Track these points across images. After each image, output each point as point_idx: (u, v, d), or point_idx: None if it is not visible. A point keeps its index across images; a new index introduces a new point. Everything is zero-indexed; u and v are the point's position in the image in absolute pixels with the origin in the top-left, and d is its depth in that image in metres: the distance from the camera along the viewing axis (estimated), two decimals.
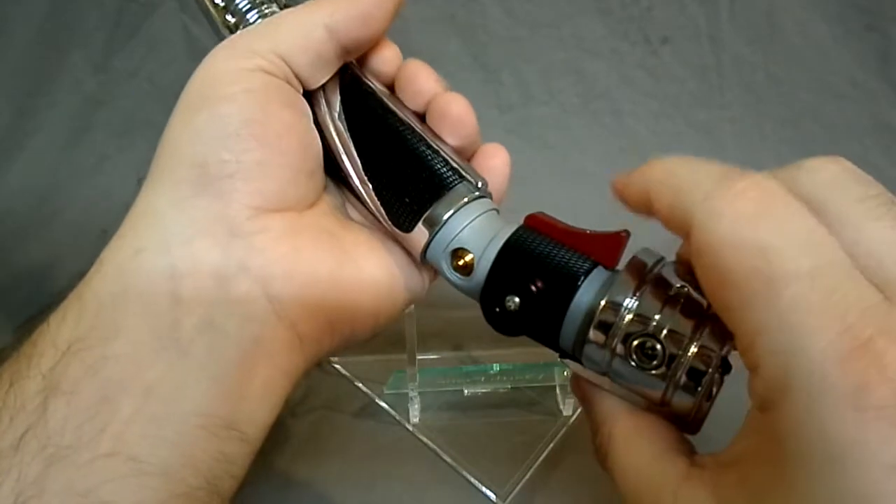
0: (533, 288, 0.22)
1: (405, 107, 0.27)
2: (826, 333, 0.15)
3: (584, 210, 0.60)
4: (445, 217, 0.25)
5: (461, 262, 0.24)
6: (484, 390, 0.43)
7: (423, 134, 0.26)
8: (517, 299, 0.23)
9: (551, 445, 0.40)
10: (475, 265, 0.24)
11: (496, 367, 0.43)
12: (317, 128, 0.26)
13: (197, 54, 0.61)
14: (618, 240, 0.22)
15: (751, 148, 0.61)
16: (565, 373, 0.42)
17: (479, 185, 0.26)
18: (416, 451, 0.40)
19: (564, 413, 0.42)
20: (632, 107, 0.61)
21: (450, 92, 0.27)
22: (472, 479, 0.38)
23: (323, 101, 0.26)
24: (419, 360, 0.40)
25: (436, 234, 0.25)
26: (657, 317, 0.20)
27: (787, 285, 0.15)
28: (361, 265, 0.25)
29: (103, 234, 0.24)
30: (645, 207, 0.20)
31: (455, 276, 0.25)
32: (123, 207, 0.24)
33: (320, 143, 0.26)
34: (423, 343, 0.40)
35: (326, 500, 0.38)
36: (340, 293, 0.24)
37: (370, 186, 0.26)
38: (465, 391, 0.43)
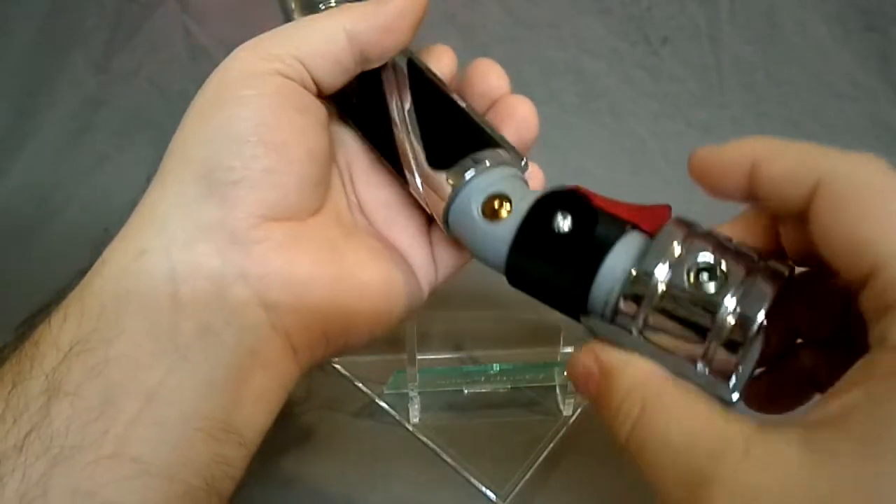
0: (585, 203, 0.21)
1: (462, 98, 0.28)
2: None
3: None
4: (488, 163, 0.24)
5: (495, 206, 0.23)
6: (484, 390, 0.43)
7: (479, 114, 0.27)
8: (569, 219, 0.21)
9: (551, 445, 0.40)
10: (512, 210, 0.23)
11: (496, 367, 0.43)
12: (366, 79, 0.26)
13: (197, 54, 0.61)
14: (662, 211, 0.21)
15: None
16: (565, 373, 0.42)
17: (522, 164, 0.26)
18: (416, 451, 0.40)
19: (564, 413, 0.42)
20: (632, 107, 0.61)
21: (517, 94, 0.27)
22: (472, 479, 0.38)
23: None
24: (419, 360, 0.40)
25: (473, 178, 0.24)
26: (711, 252, 0.19)
27: None
28: (360, 277, 0.25)
29: (105, 233, 0.24)
30: (736, 185, 0.19)
31: (482, 221, 0.24)
32: (124, 208, 0.24)
33: (328, 151, 0.26)
34: (423, 343, 0.40)
35: (327, 500, 0.38)
36: (336, 306, 0.24)
37: (416, 124, 0.26)
38: (465, 391, 0.43)
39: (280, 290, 0.23)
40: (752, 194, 0.20)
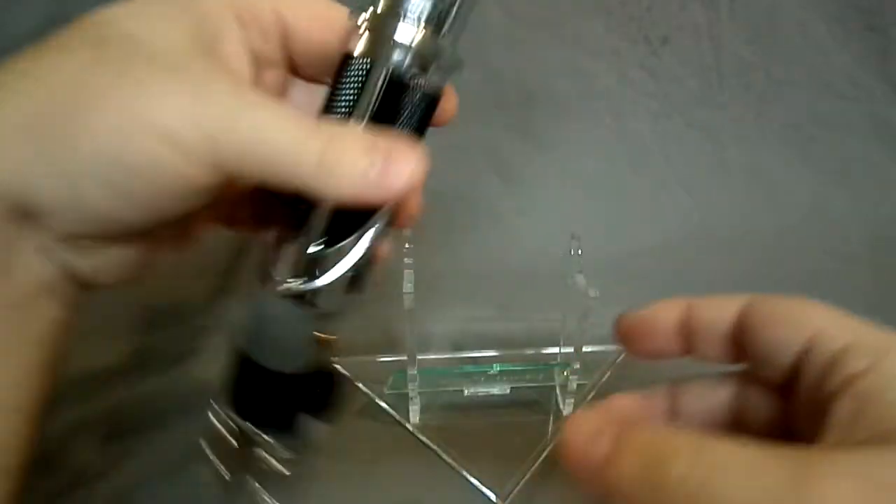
0: None
1: None
2: None
3: (582, 209, 0.60)
4: None
5: None
6: (484, 390, 0.43)
7: None
8: None
9: (551, 445, 0.40)
10: None
11: (496, 367, 0.43)
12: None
13: None
14: None
15: (751, 148, 0.61)
16: (565, 373, 0.42)
17: None
18: (416, 451, 0.40)
19: (564, 413, 0.42)
20: (632, 107, 0.61)
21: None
22: (472, 479, 0.38)
23: None
24: (419, 360, 0.40)
25: None
26: None
27: None
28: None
29: None
30: (668, 340, 0.22)
31: None
32: None
33: None
34: (423, 343, 0.40)
35: (327, 499, 0.38)
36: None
37: None
38: (465, 391, 0.43)
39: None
40: (684, 342, 0.22)
